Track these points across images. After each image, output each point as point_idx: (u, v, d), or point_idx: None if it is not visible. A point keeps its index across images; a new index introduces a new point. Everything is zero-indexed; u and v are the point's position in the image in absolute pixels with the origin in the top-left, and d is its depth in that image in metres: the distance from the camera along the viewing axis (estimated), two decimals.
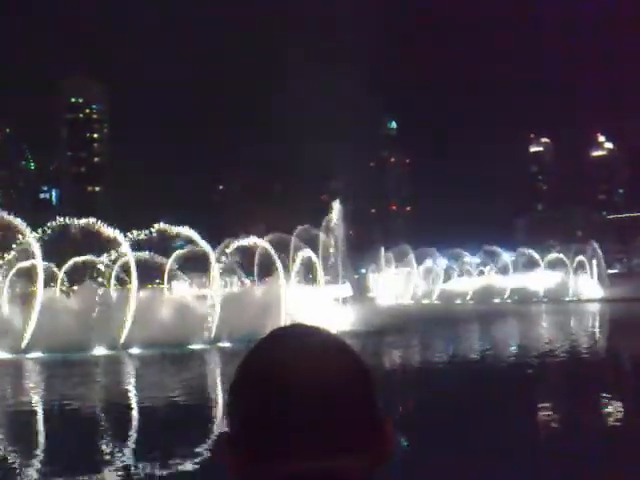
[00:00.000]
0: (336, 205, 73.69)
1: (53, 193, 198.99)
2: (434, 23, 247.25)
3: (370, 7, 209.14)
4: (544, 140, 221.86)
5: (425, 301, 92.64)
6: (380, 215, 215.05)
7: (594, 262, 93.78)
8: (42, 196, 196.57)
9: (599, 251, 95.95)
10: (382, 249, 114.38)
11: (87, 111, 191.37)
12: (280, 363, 1.09)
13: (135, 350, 32.33)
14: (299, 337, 1.13)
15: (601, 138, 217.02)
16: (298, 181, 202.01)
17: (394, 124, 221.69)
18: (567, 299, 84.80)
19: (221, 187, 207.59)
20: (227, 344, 33.39)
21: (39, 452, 13.78)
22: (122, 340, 33.14)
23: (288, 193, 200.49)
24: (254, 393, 1.09)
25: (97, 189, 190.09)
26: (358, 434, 1.09)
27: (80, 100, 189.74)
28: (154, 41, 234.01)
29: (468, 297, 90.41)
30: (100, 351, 32.23)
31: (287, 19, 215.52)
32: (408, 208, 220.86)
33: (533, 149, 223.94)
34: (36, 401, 20.51)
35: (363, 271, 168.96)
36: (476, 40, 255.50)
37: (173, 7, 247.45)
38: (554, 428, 15.00)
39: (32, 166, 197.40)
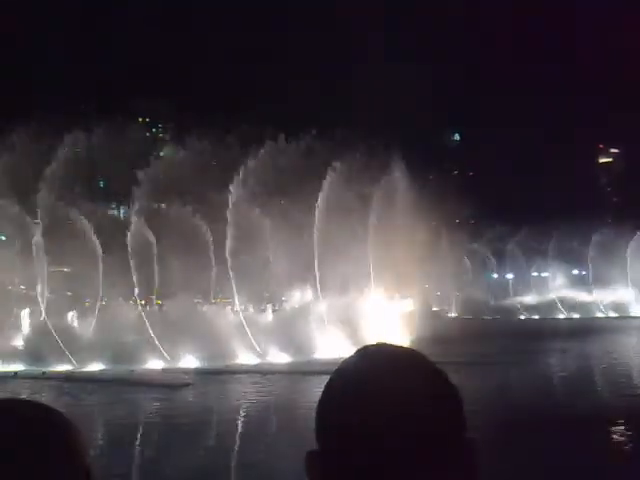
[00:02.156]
0: None
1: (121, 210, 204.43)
2: (498, 32, 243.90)
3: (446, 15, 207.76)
4: (613, 151, 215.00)
5: (486, 316, 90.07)
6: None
7: None
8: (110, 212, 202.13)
9: None
10: None
11: (154, 130, 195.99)
12: (371, 382, 1.09)
13: None
14: (388, 356, 1.13)
15: None
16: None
17: (457, 136, 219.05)
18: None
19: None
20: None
21: None
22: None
23: None
24: (346, 413, 1.08)
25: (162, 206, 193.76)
26: (447, 452, 1.09)
27: (147, 119, 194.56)
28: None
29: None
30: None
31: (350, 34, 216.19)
32: (472, 221, 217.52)
33: (602, 160, 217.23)
34: None
35: (426, 286, 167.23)
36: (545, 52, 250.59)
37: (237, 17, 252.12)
38: None
39: (101, 184, 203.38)
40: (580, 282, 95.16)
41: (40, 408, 1.11)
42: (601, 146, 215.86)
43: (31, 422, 1.08)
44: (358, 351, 1.16)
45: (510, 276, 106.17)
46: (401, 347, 1.16)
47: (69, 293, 48.34)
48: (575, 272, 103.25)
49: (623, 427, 17.23)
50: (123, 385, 27.24)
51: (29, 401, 1.13)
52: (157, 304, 49.60)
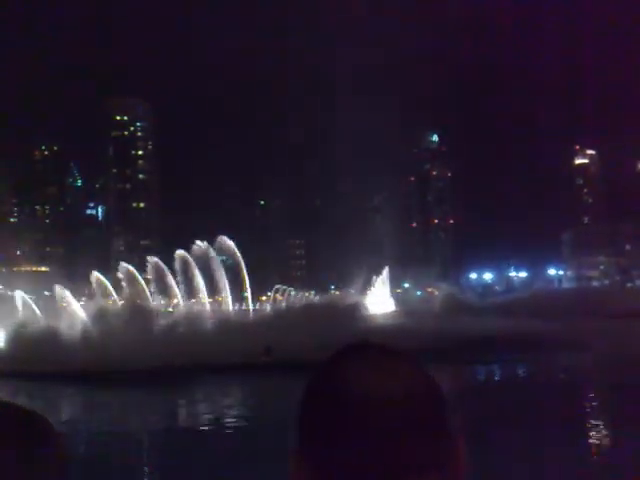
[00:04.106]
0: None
1: (99, 209, 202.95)
2: (475, 31, 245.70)
3: (412, 19, 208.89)
4: (589, 152, 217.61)
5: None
6: (421, 229, 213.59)
7: None
8: (88, 212, 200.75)
9: None
10: None
11: (132, 128, 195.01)
12: (352, 380, 1.10)
13: None
14: (370, 354, 1.14)
15: None
16: (339, 197, 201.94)
17: (436, 137, 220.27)
18: None
19: (262, 202, 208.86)
20: None
21: None
22: None
23: (328, 209, 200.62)
24: (327, 410, 1.10)
25: (142, 205, 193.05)
26: (432, 451, 1.10)
27: (125, 118, 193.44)
28: (197, 58, 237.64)
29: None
30: None
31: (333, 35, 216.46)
32: (451, 221, 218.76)
33: (578, 161, 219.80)
34: None
35: (406, 285, 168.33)
36: (521, 48, 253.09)
37: (219, 25, 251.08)
38: None
39: (79, 183, 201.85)
40: None
41: (22, 410, 1.13)
42: (577, 147, 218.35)
43: (14, 423, 1.09)
44: (341, 350, 1.16)
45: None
46: (382, 345, 1.17)
47: None
48: None
49: None
50: None
51: (10, 403, 1.14)
52: None
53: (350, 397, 1.09)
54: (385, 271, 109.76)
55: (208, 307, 59.01)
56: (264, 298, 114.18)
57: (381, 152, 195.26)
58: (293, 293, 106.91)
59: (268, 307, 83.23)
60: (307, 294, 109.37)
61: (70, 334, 38.60)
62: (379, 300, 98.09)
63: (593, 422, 19.45)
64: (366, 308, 61.68)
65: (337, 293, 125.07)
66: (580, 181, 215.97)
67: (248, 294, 74.29)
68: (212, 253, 63.01)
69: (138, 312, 42.36)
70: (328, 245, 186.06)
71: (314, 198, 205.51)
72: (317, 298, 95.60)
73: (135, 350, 32.84)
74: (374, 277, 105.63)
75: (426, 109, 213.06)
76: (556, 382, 28.09)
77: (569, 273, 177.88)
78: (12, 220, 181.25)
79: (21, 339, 37.75)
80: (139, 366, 31.04)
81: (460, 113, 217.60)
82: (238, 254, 69.15)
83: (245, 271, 71.24)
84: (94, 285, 56.97)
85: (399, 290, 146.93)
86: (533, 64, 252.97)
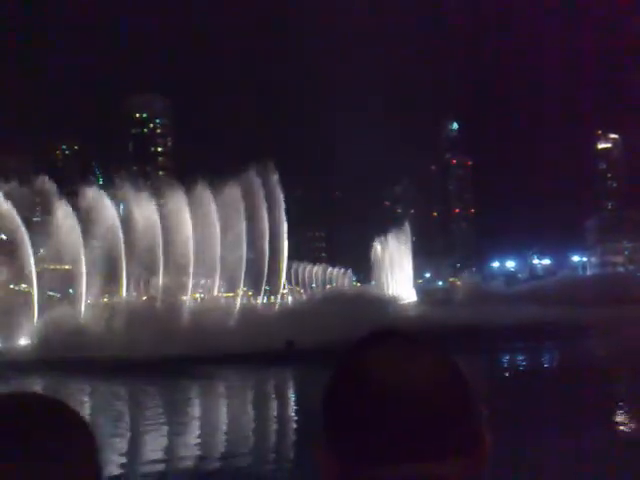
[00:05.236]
0: None
1: (120, 206, 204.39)
2: (495, 22, 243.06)
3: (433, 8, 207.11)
4: (612, 136, 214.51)
5: None
6: (443, 219, 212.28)
7: None
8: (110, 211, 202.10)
9: None
10: None
11: (151, 125, 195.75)
12: (374, 367, 1.11)
13: None
14: (393, 341, 1.15)
15: None
16: (359, 187, 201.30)
17: (456, 125, 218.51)
18: None
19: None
20: None
21: None
22: None
23: (350, 199, 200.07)
24: (349, 396, 1.11)
25: (161, 201, 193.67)
26: (455, 440, 1.11)
27: (144, 115, 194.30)
28: (218, 54, 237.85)
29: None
30: None
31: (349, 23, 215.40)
32: (472, 210, 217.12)
33: (601, 146, 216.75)
34: None
35: (427, 276, 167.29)
36: (538, 37, 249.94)
37: (236, 20, 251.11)
38: None
39: (100, 181, 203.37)
40: None
41: (58, 404, 1.12)
42: (599, 131, 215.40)
43: (50, 417, 1.09)
44: (365, 337, 1.17)
45: None
46: (408, 333, 1.17)
47: None
48: None
49: None
50: None
51: (45, 396, 1.13)
52: None
53: (372, 384, 1.10)
54: (407, 261, 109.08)
55: (237, 300, 59.26)
56: (285, 291, 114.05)
57: (402, 141, 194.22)
58: (313, 286, 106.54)
59: (289, 299, 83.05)
60: (328, 286, 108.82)
61: (97, 326, 39.26)
62: (401, 291, 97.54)
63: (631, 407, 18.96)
64: (395, 299, 61.38)
65: (358, 285, 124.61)
66: (603, 165, 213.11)
67: (285, 286, 74.32)
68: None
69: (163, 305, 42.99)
70: (348, 236, 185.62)
71: (334, 189, 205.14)
72: (340, 290, 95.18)
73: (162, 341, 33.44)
74: (395, 268, 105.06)
75: (446, 97, 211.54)
76: (589, 368, 27.56)
77: (593, 259, 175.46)
78: (35, 219, 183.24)
79: (56, 331, 38.62)
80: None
81: (480, 100, 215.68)
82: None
83: (266, 264, 71.11)
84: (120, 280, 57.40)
85: (420, 280, 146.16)
86: (553, 48, 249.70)
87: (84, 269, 49.33)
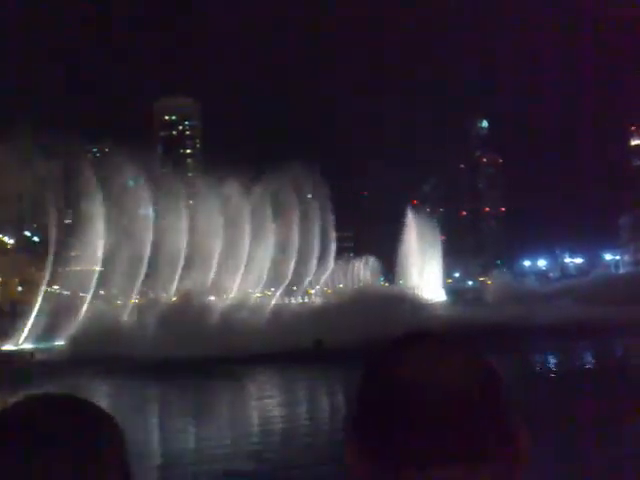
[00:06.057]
0: None
1: (150, 208, 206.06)
2: (523, 23, 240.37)
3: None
4: None
5: None
6: (472, 218, 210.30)
7: None
8: (140, 212, 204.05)
9: None
10: None
11: (180, 128, 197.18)
12: (406, 367, 1.10)
13: None
14: (427, 342, 1.14)
15: None
16: (388, 186, 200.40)
17: (485, 123, 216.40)
18: None
19: (309, 195, 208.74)
20: None
21: None
22: None
23: (378, 198, 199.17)
24: (379, 395, 1.10)
25: (190, 202, 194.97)
26: (489, 442, 1.09)
27: (173, 117, 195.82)
28: (250, 56, 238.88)
29: None
30: None
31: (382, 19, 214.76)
32: (502, 209, 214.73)
33: (634, 142, 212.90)
34: None
35: (457, 275, 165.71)
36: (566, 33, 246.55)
37: (266, 24, 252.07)
38: None
39: (131, 183, 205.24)
40: None
41: (88, 404, 1.13)
42: (633, 128, 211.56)
43: (80, 418, 1.09)
44: (399, 338, 1.17)
45: None
46: (442, 335, 1.16)
47: None
48: None
49: None
50: None
51: (75, 397, 1.14)
52: None
53: (407, 386, 1.09)
54: (436, 261, 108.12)
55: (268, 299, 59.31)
56: (312, 291, 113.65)
57: (430, 140, 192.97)
58: (341, 285, 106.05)
59: (318, 300, 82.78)
60: (356, 285, 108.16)
61: (126, 326, 39.67)
62: (431, 290, 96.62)
63: None
64: (424, 298, 60.80)
65: (386, 284, 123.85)
66: (637, 162, 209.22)
67: (313, 287, 74.23)
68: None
69: (193, 304, 43.20)
70: (376, 236, 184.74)
71: (362, 189, 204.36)
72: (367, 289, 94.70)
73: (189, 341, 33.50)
74: (424, 267, 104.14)
75: (476, 95, 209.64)
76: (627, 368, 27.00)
77: (626, 258, 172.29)
78: (66, 222, 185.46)
79: (95, 330, 39.23)
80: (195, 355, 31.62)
81: (509, 98, 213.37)
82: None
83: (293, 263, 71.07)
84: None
85: (450, 280, 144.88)
86: (587, 44, 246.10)
87: (115, 270, 49.78)
